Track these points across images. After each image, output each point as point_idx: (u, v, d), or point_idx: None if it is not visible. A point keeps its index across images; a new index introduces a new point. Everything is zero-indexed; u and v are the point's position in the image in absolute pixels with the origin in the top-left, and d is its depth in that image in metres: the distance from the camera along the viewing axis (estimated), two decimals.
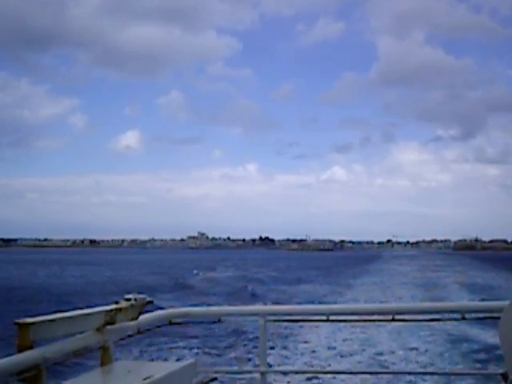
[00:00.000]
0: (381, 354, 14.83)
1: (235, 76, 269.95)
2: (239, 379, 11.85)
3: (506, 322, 2.24)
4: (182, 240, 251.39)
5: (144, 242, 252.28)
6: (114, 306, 2.90)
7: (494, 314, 2.91)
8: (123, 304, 2.95)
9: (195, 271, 48.25)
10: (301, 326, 17.44)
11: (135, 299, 3.00)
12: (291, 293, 36.57)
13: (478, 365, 12.59)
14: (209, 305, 24.55)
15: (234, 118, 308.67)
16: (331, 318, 3.56)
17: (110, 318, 2.85)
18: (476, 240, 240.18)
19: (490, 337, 13.84)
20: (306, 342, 16.66)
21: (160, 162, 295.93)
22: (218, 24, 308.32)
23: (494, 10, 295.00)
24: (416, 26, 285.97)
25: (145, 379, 2.39)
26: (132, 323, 3.03)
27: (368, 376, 10.42)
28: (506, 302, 2.33)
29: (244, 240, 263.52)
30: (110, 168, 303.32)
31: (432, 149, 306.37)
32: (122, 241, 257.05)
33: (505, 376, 2.30)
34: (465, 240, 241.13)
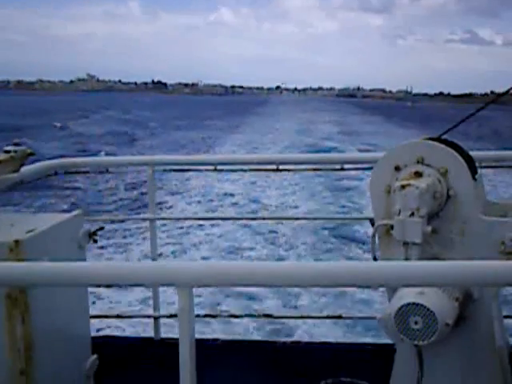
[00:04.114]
0: (267, 204, 15.69)
1: None
2: (128, 228, 12.04)
3: (375, 173, 2.34)
4: (72, 82, 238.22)
5: (31, 84, 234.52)
6: None
7: (370, 165, 2.98)
8: (2, 156, 2.74)
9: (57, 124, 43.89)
10: (189, 178, 17.74)
11: (15, 151, 2.79)
12: (178, 137, 36.43)
13: (355, 211, 13.83)
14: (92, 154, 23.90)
15: None
16: (219, 167, 3.54)
17: None
18: (358, 89, 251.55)
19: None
20: (193, 191, 17.04)
21: None
22: None
23: None
24: None
25: (28, 231, 2.25)
26: (13, 175, 2.83)
27: (251, 222, 11.27)
28: (381, 154, 2.40)
29: (136, 83, 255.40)
30: None
31: None
32: (8, 82, 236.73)
33: (372, 221, 2.43)
34: (348, 88, 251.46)
